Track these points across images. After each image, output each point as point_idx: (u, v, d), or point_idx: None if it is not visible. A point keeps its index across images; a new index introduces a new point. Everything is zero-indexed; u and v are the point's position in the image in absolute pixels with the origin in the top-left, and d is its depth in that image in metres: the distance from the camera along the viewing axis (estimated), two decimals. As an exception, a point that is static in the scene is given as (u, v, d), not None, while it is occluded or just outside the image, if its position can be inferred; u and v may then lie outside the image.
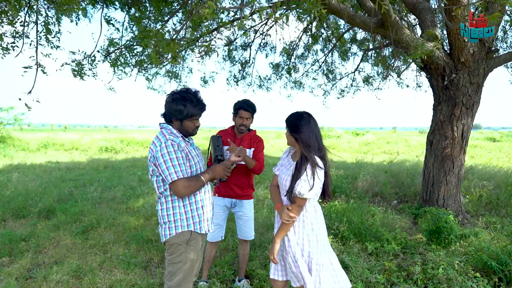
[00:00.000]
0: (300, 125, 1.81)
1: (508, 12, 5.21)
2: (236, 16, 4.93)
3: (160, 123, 1.91)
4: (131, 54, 4.71)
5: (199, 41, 4.38)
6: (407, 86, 8.06)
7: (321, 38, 7.54)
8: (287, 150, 2.05)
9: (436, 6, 4.68)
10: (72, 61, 3.76)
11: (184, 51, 5.65)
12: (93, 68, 3.96)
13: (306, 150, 1.77)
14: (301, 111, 1.91)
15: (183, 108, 1.78)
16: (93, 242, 3.64)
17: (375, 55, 7.58)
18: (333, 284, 1.81)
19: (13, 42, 3.17)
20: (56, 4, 3.21)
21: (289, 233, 1.84)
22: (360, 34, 7.56)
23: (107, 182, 7.15)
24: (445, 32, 4.81)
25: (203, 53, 5.99)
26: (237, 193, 2.65)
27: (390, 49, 6.80)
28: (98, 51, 4.18)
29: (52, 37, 3.52)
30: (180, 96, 1.80)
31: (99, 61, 4.17)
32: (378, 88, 8.01)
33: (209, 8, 1.99)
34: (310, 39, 7.48)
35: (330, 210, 4.17)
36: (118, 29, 4.55)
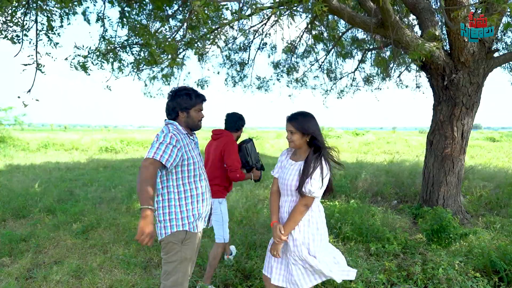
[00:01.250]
0: (311, 126, 1.84)
1: (508, 13, 5.21)
2: (235, 17, 4.93)
3: (165, 119, 1.95)
4: (127, 53, 4.70)
5: (199, 41, 4.38)
6: (406, 86, 8.06)
7: (322, 38, 7.54)
8: (284, 152, 2.07)
9: (436, 7, 4.68)
10: (78, 55, 3.76)
11: (184, 51, 5.65)
12: (99, 62, 3.98)
13: (318, 150, 1.82)
14: (306, 112, 1.91)
15: (189, 98, 1.89)
16: (93, 242, 3.64)
17: (374, 56, 7.58)
18: (341, 272, 1.91)
19: (17, 35, 3.18)
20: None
21: (294, 233, 1.84)
22: (360, 34, 7.56)
23: (107, 182, 7.15)
24: (445, 32, 4.81)
25: (199, 55, 5.98)
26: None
27: (388, 51, 6.80)
28: (98, 48, 4.19)
29: (52, 33, 3.52)
30: (182, 91, 1.91)
31: (99, 57, 4.17)
32: (378, 88, 8.02)
33: (200, 0, 2.00)
34: (312, 39, 7.47)
35: (333, 210, 4.17)
36: (106, 29, 4.54)
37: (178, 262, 1.82)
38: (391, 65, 7.48)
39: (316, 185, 1.75)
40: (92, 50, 3.96)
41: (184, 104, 1.88)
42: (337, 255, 1.98)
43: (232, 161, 2.60)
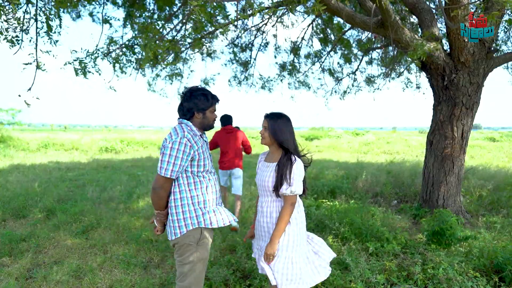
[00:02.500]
0: (284, 130, 1.89)
1: (509, 12, 5.21)
2: (234, 17, 4.93)
3: (179, 118, 1.92)
4: (131, 54, 4.70)
5: (201, 40, 4.39)
6: (417, 86, 7.98)
7: (327, 40, 7.52)
8: (259, 158, 2.12)
9: (436, 6, 4.67)
10: (75, 60, 3.74)
11: (186, 52, 5.66)
12: (96, 65, 3.96)
13: (290, 152, 1.88)
14: (284, 114, 1.96)
15: (205, 99, 1.88)
16: (93, 242, 3.64)
17: (381, 55, 7.56)
18: (311, 275, 1.92)
19: (17, 36, 3.16)
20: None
21: (269, 229, 1.88)
22: (362, 34, 7.54)
23: (107, 182, 7.15)
24: (445, 32, 4.80)
25: (204, 54, 6.00)
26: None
27: (393, 51, 6.79)
28: (98, 50, 4.17)
29: (53, 33, 3.51)
30: (198, 91, 1.90)
31: (102, 58, 4.16)
32: (378, 89, 8.01)
33: (197, 0, 2.00)
34: (317, 40, 7.46)
35: (331, 210, 4.17)
36: (116, 30, 4.54)
37: (194, 263, 1.81)
38: (392, 66, 7.47)
39: (296, 184, 1.82)
40: (90, 53, 3.92)
41: (201, 105, 1.87)
42: (311, 255, 2.00)
43: (249, 144, 4.50)
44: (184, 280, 1.81)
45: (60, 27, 3.67)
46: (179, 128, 1.82)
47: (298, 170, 1.84)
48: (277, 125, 1.89)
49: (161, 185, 1.77)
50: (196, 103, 1.86)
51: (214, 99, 1.93)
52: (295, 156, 1.87)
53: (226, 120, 4.37)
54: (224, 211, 1.97)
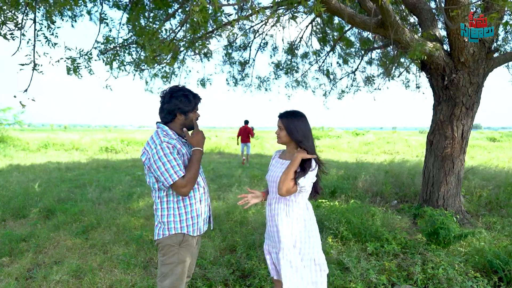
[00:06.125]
0: (299, 128, 1.85)
1: (509, 13, 5.21)
2: (234, 18, 4.93)
3: (157, 122, 1.88)
4: (127, 53, 4.69)
5: (198, 42, 4.38)
6: (417, 86, 7.94)
7: (326, 39, 7.52)
8: (274, 154, 2.10)
9: (435, 6, 4.67)
10: (68, 58, 3.68)
11: (184, 52, 5.65)
12: (89, 66, 3.90)
13: (307, 151, 1.83)
14: (299, 112, 1.92)
15: (187, 100, 1.83)
16: (93, 242, 3.64)
17: (380, 55, 7.55)
18: (310, 284, 1.84)
19: (12, 33, 3.12)
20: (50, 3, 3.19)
21: (282, 229, 1.84)
22: (362, 34, 7.54)
23: (107, 182, 7.15)
24: (445, 32, 4.80)
25: (201, 54, 6.00)
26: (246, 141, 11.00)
27: (392, 51, 6.79)
28: (95, 48, 4.15)
29: (50, 34, 3.48)
30: (178, 91, 1.84)
31: (95, 60, 4.14)
32: (378, 89, 8.01)
33: (199, 6, 2.00)
34: (312, 39, 7.47)
35: (330, 210, 4.16)
36: (111, 29, 4.51)
37: (175, 264, 1.81)
38: (392, 65, 7.47)
39: (305, 180, 1.79)
40: (84, 52, 3.88)
41: (184, 108, 1.82)
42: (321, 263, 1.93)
43: (252, 133, 11.07)
44: (164, 281, 1.81)
45: (59, 27, 3.64)
46: (155, 136, 1.77)
47: (311, 173, 1.81)
48: (293, 124, 1.85)
49: (184, 185, 1.70)
50: (177, 105, 1.81)
51: (196, 99, 1.88)
52: (312, 159, 1.83)
53: (245, 123, 10.81)
54: (204, 220, 1.94)
